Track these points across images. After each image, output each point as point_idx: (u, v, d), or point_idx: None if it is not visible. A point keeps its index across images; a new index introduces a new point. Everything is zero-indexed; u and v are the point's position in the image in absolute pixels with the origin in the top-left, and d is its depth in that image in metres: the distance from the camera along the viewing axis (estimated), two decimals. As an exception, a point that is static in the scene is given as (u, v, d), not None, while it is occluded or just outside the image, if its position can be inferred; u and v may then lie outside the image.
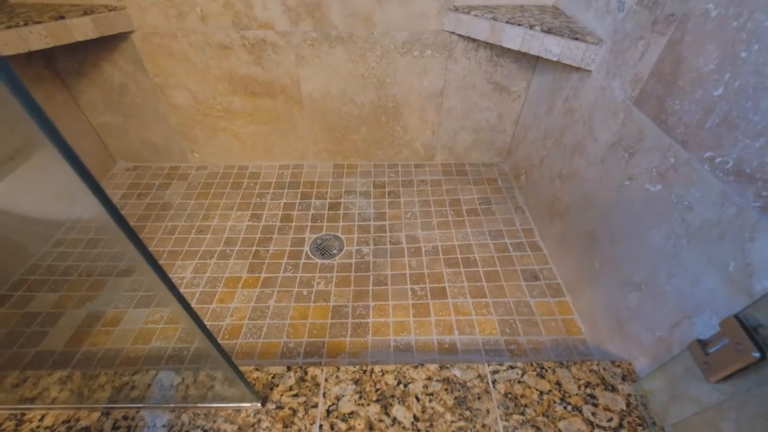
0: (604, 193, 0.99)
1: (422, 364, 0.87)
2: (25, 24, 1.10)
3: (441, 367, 0.86)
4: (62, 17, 1.15)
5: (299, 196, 1.60)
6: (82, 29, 1.20)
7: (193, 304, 1.17)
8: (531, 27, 1.11)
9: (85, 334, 1.11)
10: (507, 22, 1.15)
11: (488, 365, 0.86)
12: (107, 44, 1.33)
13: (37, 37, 1.13)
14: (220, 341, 1.08)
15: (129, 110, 1.53)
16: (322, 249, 1.38)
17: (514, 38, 1.16)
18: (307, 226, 1.47)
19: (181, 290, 1.22)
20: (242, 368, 0.81)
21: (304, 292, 1.23)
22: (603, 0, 1.01)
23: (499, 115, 1.58)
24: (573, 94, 1.16)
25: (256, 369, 0.86)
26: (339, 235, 1.43)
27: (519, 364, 0.87)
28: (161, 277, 0.48)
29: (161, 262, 1.32)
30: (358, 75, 1.44)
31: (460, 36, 1.33)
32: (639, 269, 0.86)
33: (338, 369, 0.86)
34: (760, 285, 0.58)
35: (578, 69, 1.10)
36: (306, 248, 1.38)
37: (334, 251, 1.37)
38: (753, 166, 0.60)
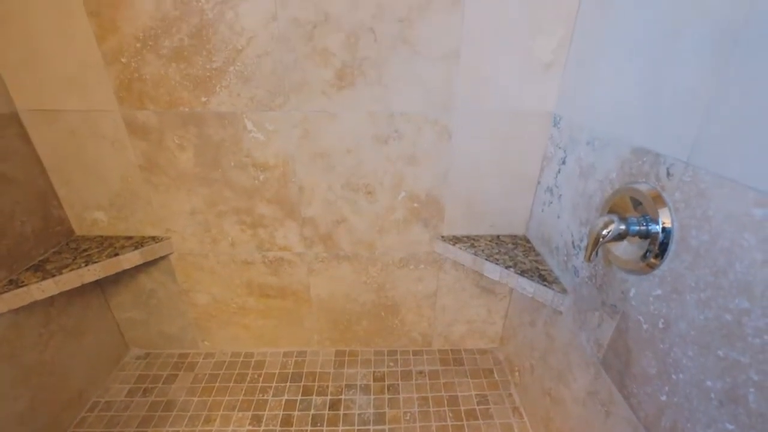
0: (591, 439, 1.05)
1: None
2: (86, 265, 1.32)
3: None
4: (117, 254, 1.39)
5: (301, 391, 1.64)
6: (130, 260, 1.43)
7: None
8: (507, 267, 1.33)
9: None
10: (486, 259, 1.38)
11: None
12: (146, 263, 1.56)
13: (92, 273, 1.34)
14: None
15: (153, 309, 1.69)
16: (321, 464, 1.36)
17: (493, 272, 1.37)
18: (307, 431, 1.47)
19: None
20: None
21: None
22: (562, 257, 1.23)
23: (489, 310, 1.73)
24: (550, 321, 1.32)
25: None
26: (338, 444, 1.43)
27: None
28: None
29: (156, 483, 1.30)
30: (361, 282, 1.64)
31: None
32: None
33: None
34: None
35: (551, 303, 1.28)
36: (304, 464, 1.36)
37: (333, 467, 1.35)
38: (706, 490, 0.68)
